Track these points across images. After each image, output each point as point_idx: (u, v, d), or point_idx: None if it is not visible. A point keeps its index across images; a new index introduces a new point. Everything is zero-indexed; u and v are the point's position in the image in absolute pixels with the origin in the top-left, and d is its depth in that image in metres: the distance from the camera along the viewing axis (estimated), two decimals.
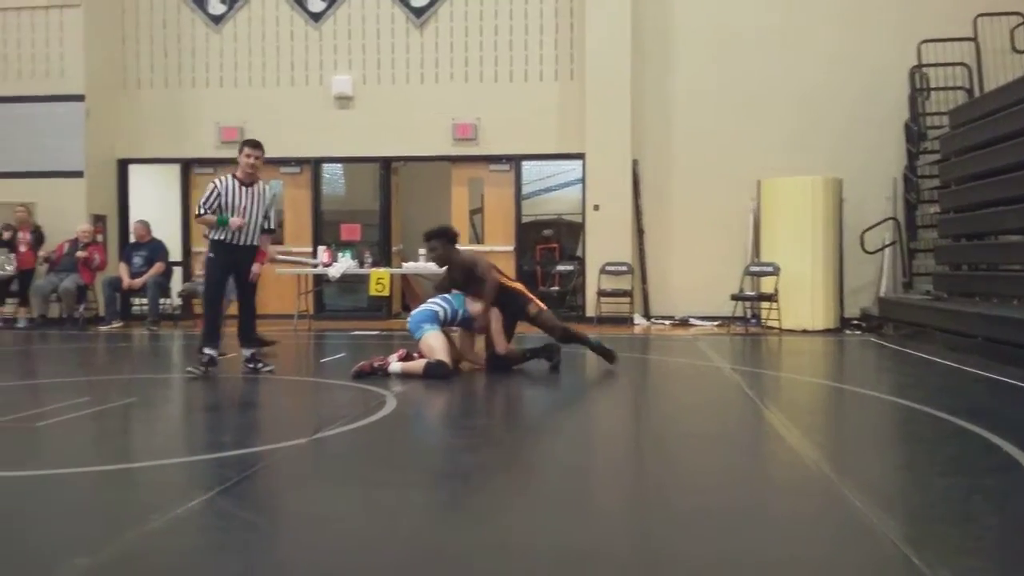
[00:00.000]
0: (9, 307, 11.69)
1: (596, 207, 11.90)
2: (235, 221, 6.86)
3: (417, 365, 6.82)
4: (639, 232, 12.01)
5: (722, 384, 7.00)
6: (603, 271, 11.76)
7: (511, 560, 2.88)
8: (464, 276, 7.27)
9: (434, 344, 6.92)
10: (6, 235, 11.55)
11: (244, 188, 6.96)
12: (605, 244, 11.81)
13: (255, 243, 7.05)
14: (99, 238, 11.93)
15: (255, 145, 7.03)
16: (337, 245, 12.21)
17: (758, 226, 11.67)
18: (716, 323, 11.56)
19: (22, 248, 11.63)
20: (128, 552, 2.88)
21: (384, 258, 12.27)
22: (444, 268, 7.62)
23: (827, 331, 10.97)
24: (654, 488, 3.82)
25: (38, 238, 11.77)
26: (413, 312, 7.43)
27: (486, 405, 6.44)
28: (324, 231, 12.85)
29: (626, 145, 11.75)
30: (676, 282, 12.04)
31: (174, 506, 3.28)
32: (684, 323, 11.77)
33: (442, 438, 5.27)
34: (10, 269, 11.48)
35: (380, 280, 10.75)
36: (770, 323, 11.01)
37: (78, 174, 12.09)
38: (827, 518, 3.36)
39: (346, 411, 5.57)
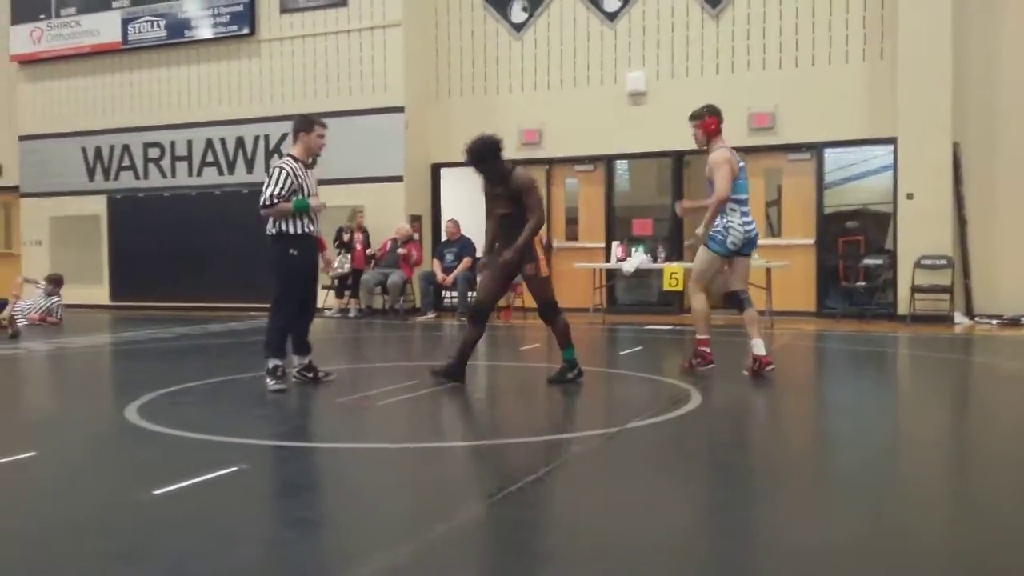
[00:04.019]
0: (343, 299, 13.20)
1: (910, 195, 10.98)
2: (315, 201, 6.04)
3: None
4: (961, 222, 10.92)
5: None
6: (918, 265, 10.84)
7: (827, 565, 2.78)
8: (511, 198, 6.23)
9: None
10: (345, 237, 13.04)
11: (309, 171, 6.15)
12: (920, 235, 10.87)
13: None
14: (416, 236, 13.09)
15: (325, 124, 6.25)
16: (629, 240, 12.40)
17: None
18: None
19: (357, 247, 13.07)
20: (474, 521, 3.16)
21: (676, 252, 12.24)
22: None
23: None
24: (990, 508, 3.48)
25: (366, 238, 13.16)
26: None
27: (794, 403, 6.21)
28: (617, 227, 13.08)
29: (946, 127, 10.72)
30: (1005, 277, 10.82)
31: (507, 483, 3.54)
32: (1015, 323, 10.53)
33: (750, 435, 5.18)
34: (347, 267, 12.95)
35: (674, 275, 10.74)
36: None
37: (398, 179, 13.33)
38: None
39: (651, 404, 5.66)
